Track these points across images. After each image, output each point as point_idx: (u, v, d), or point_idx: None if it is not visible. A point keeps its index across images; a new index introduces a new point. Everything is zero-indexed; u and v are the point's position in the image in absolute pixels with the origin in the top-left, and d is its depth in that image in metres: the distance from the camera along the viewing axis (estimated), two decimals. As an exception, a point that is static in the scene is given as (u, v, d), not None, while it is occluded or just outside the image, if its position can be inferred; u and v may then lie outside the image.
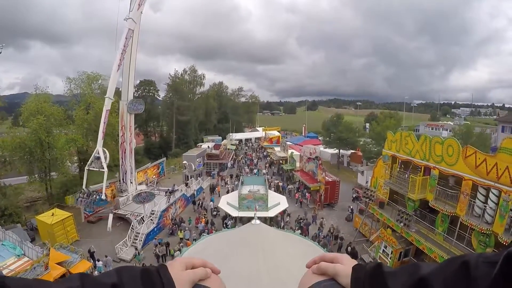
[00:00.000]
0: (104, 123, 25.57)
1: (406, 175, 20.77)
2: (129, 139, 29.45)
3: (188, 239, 24.59)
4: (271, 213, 24.98)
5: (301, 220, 26.66)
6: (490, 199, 15.09)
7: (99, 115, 32.42)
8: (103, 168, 25.31)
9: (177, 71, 68.94)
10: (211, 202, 31.01)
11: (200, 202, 31.19)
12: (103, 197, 26.27)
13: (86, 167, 26.28)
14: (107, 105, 25.67)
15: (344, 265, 1.00)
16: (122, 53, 25.22)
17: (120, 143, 29.53)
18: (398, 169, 22.45)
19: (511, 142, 14.16)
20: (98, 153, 25.59)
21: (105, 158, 25.74)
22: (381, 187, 24.19)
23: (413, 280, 0.75)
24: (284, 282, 12.15)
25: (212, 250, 15.54)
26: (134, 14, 25.83)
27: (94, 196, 26.70)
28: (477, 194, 15.90)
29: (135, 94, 36.49)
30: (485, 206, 15.30)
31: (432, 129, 77.77)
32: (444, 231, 17.80)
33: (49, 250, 15.71)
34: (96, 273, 19.46)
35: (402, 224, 19.65)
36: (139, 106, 30.06)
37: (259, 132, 74.88)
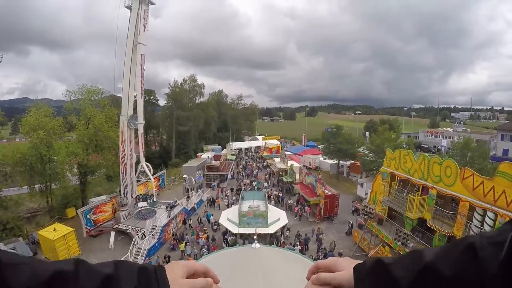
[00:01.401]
0: (143, 144, 31.91)
1: (405, 194, 21.02)
2: (130, 154, 29.65)
3: (189, 255, 24.80)
4: (271, 230, 25.11)
5: (300, 236, 26.80)
6: (486, 222, 15.32)
7: (99, 129, 32.77)
8: (150, 179, 32.14)
9: (176, 81, 69.51)
10: (211, 217, 31.12)
11: (199, 218, 31.22)
12: (155, 199, 31.29)
13: (135, 178, 31.37)
14: (140, 129, 30.23)
15: (345, 271, 0.99)
16: (142, 80, 28.96)
17: (120, 158, 29.73)
18: (396, 186, 22.70)
19: (508, 167, 14.39)
20: (143, 168, 31.03)
21: (150, 170, 31.78)
22: (379, 203, 24.40)
23: (418, 267, 0.75)
24: None
25: (214, 268, 15.67)
26: (142, 37, 27.23)
27: (148, 200, 30.81)
28: (473, 215, 16.14)
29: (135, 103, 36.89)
30: (482, 228, 15.52)
31: (432, 136, 78.01)
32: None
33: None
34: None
35: (400, 243, 19.85)
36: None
37: (259, 141, 75.06)
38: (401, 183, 22.66)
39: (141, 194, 31.58)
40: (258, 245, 15.70)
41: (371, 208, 24.17)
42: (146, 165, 31.38)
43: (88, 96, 35.28)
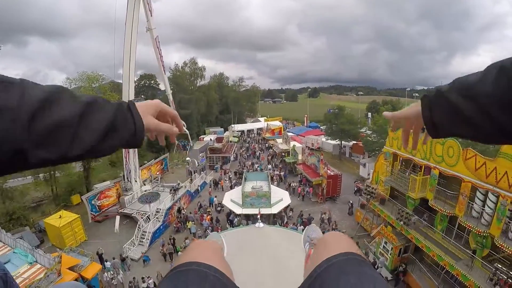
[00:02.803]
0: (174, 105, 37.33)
1: (407, 174, 21.07)
2: (131, 145, 29.69)
3: (194, 234, 25.45)
4: (275, 210, 25.34)
5: (302, 216, 27.09)
6: (487, 202, 15.41)
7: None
8: (186, 132, 34.39)
9: (177, 64, 68.86)
10: (214, 199, 31.44)
11: (199, 203, 31.26)
12: (191, 144, 38.13)
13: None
14: (170, 98, 34.84)
15: (413, 106, 1.12)
16: (162, 60, 30.94)
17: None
18: (399, 167, 22.75)
19: (511, 148, 14.35)
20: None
21: (184, 126, 33.15)
22: (382, 183, 24.51)
23: (466, 91, 0.87)
24: (289, 281, 12.52)
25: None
26: (151, 22, 27.96)
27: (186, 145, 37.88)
28: (476, 195, 16.22)
29: (135, 87, 37.05)
30: (483, 209, 15.63)
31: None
32: (442, 230, 18.21)
33: (61, 258, 16.18)
34: (105, 274, 20.14)
35: (402, 222, 20.04)
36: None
37: (261, 123, 74.97)
38: (403, 163, 22.70)
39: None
40: (261, 224, 15.88)
41: (373, 187, 24.30)
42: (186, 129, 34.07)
43: (88, 83, 35.07)
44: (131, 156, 29.86)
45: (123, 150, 29.88)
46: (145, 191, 29.46)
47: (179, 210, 29.00)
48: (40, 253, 16.99)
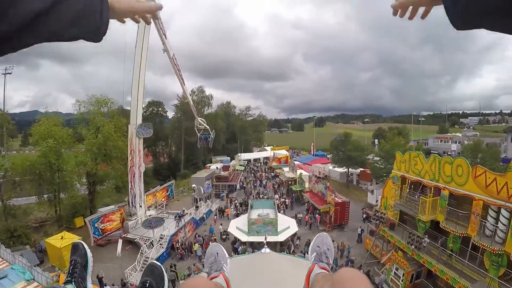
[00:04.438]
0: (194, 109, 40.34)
1: (416, 196, 20.57)
2: (138, 163, 29.72)
3: (200, 256, 25.25)
4: (281, 238, 24.70)
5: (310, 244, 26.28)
6: (500, 219, 14.85)
7: (108, 139, 33.00)
8: (207, 127, 39.18)
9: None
10: (220, 226, 30.83)
11: (196, 234, 30.15)
12: (212, 136, 39.67)
13: (195, 128, 39.16)
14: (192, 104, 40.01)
15: None
16: (180, 74, 32.35)
17: (129, 167, 29.80)
18: (407, 190, 22.26)
19: (521, 163, 14.02)
20: (201, 124, 38.62)
21: (204, 122, 38.98)
22: (391, 208, 23.92)
23: None
24: None
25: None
26: (166, 44, 28.65)
27: (208, 138, 38.96)
28: (488, 213, 15.67)
29: (143, 114, 37.85)
30: (497, 226, 15.03)
31: (441, 141, 77.01)
32: (455, 253, 17.48)
33: (59, 277, 15.74)
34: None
35: (413, 246, 19.32)
36: (148, 130, 30.46)
37: (267, 152, 74.89)
38: (412, 186, 22.22)
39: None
40: (268, 250, 15.39)
41: (382, 212, 23.71)
42: (201, 119, 39.15)
43: (97, 106, 35.62)
44: (137, 181, 29.70)
45: (129, 174, 29.86)
46: (149, 215, 29.01)
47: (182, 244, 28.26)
48: (38, 271, 16.59)
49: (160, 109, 69.47)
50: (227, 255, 2.03)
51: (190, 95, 69.58)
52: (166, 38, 28.90)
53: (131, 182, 29.84)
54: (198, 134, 38.84)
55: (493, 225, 15.31)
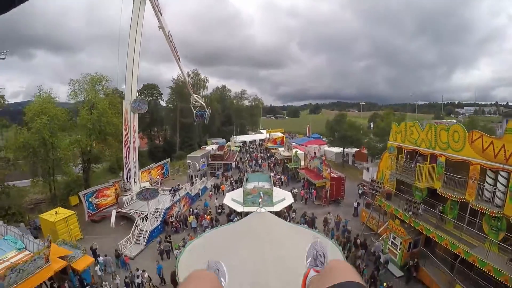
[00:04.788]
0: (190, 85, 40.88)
1: (413, 165, 20.45)
2: (133, 138, 29.40)
3: (194, 228, 25.78)
4: (277, 208, 24.65)
5: (306, 216, 26.28)
6: (499, 182, 14.71)
7: (103, 115, 32.47)
8: (203, 104, 39.51)
9: (180, 74, 69.24)
10: (215, 200, 30.80)
11: (191, 209, 30.32)
12: (208, 113, 39.54)
13: (191, 105, 39.23)
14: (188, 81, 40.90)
15: None
16: (176, 51, 32.16)
17: (123, 142, 29.44)
18: (404, 159, 22.16)
19: (518, 124, 13.84)
20: (196, 100, 38.89)
21: (200, 99, 39.62)
22: (387, 180, 23.85)
23: None
24: (291, 271, 11.89)
25: (218, 240, 15.32)
26: (163, 21, 28.92)
27: (204, 115, 39.00)
28: (485, 178, 15.55)
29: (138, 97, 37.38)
30: (495, 189, 14.93)
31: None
32: (454, 218, 17.44)
33: (50, 242, 15.52)
34: (97, 268, 19.37)
35: (410, 212, 19.28)
36: (143, 105, 30.06)
37: (263, 134, 74.69)
38: (408, 156, 22.10)
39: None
40: (263, 209, 15.33)
41: (379, 182, 23.68)
42: (197, 96, 39.65)
43: (92, 84, 34.90)
44: (131, 155, 29.41)
45: (123, 149, 29.52)
46: (143, 187, 28.75)
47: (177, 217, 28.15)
48: (30, 239, 16.38)
49: (155, 92, 68.65)
50: (226, 273, 2.02)
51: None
52: (161, 16, 28.67)
53: (126, 157, 29.54)
54: (194, 111, 38.46)
55: (491, 186, 15.18)
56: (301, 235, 15.69)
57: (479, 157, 15.66)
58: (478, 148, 15.72)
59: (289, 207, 27.15)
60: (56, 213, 23.95)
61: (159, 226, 25.78)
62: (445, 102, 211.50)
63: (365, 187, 31.30)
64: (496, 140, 14.85)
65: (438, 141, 18.58)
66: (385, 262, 20.17)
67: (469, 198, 16.22)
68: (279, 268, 12.00)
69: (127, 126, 29.00)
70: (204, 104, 39.64)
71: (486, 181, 15.47)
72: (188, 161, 38.61)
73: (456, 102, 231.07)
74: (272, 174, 41.25)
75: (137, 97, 30.68)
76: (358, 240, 22.31)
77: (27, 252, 15.56)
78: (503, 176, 14.52)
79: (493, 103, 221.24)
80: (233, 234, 15.18)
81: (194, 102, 38.95)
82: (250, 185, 26.99)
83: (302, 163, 38.94)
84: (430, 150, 19.20)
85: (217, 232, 16.96)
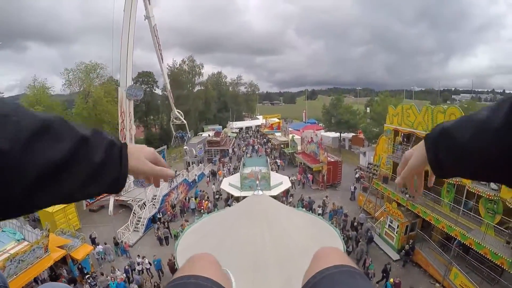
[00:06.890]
0: (171, 95, 35.92)
1: (409, 148, 20.47)
2: (129, 125, 29.12)
3: (193, 209, 26.64)
4: (274, 192, 24.62)
5: (303, 200, 26.42)
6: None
7: (98, 103, 32.15)
8: (184, 122, 37.77)
9: (175, 61, 68.50)
10: (213, 186, 30.88)
11: (187, 197, 30.11)
12: (189, 135, 39.45)
13: (171, 123, 37.81)
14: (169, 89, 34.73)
15: (415, 152, 1.02)
16: (160, 48, 30.81)
17: (120, 129, 29.19)
18: (400, 142, 22.20)
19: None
20: (176, 115, 36.86)
21: (181, 115, 37.36)
22: (384, 163, 23.92)
23: (475, 125, 0.77)
24: (289, 251, 11.97)
25: (217, 222, 15.36)
26: (149, 10, 27.76)
27: (185, 137, 39.01)
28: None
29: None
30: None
31: (433, 111, 77.23)
32: (450, 201, 17.55)
33: (48, 231, 15.51)
34: (96, 257, 19.45)
35: (407, 195, 19.40)
36: (138, 92, 29.60)
37: (259, 120, 74.58)
38: (405, 139, 22.15)
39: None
40: (261, 192, 15.36)
41: (376, 165, 23.76)
42: (178, 112, 37.12)
43: (86, 73, 34.47)
44: (128, 141, 29.20)
45: (120, 137, 29.27)
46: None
47: (173, 206, 28.13)
48: (29, 229, 16.35)
49: (150, 79, 67.96)
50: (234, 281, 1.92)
51: (181, 65, 68.40)
52: (149, 4, 27.87)
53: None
54: (174, 133, 38.05)
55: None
56: (299, 215, 15.82)
57: (477, 138, 15.66)
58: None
59: (286, 191, 27.22)
60: (53, 203, 23.86)
61: (157, 213, 25.76)
62: (442, 89, 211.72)
63: (362, 172, 31.41)
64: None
65: (434, 123, 18.55)
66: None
67: (466, 180, 16.30)
68: (278, 247, 12.08)
69: (123, 113, 28.67)
70: (185, 122, 38.32)
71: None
72: (185, 147, 38.46)
73: (453, 89, 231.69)
74: (268, 159, 41.44)
75: (132, 84, 30.31)
76: (356, 223, 22.51)
77: (26, 243, 15.56)
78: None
79: (489, 90, 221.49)
80: (231, 216, 15.22)
81: (174, 119, 37.36)
82: (247, 170, 26.98)
83: (299, 147, 38.96)
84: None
85: (215, 216, 17.01)
